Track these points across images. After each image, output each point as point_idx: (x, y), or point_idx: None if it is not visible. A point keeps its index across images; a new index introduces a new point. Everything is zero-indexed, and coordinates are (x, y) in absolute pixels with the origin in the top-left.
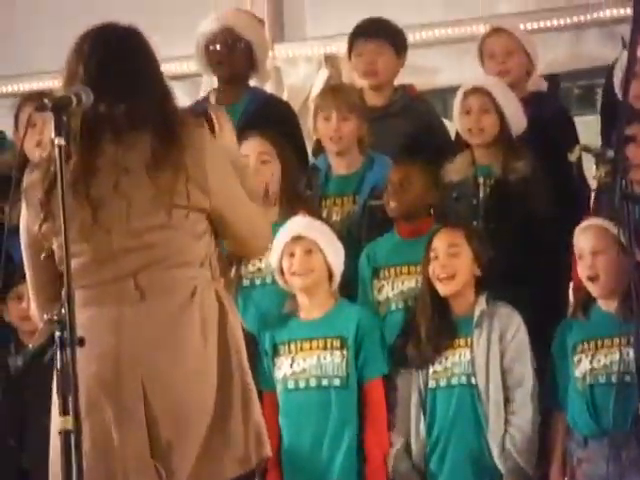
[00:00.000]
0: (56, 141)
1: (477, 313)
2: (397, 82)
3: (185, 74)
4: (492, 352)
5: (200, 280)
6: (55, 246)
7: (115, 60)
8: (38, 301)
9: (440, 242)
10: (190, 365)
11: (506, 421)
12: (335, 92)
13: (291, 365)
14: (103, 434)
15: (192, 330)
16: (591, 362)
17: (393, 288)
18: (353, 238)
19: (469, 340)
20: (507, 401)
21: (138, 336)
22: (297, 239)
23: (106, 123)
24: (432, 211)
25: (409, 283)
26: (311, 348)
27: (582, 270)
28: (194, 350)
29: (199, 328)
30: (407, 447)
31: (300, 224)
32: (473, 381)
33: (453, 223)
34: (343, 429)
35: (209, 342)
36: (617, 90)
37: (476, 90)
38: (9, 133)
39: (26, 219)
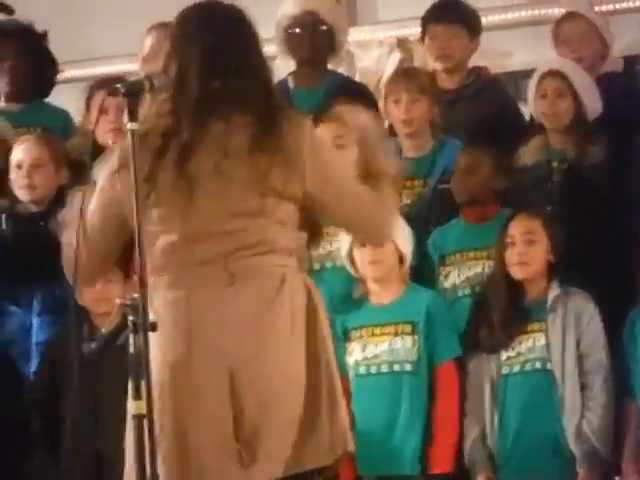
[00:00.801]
0: (129, 126)
1: (551, 297)
2: (470, 64)
3: None
4: (568, 337)
5: (290, 269)
6: (153, 220)
7: (226, 40)
8: (90, 269)
9: (517, 229)
10: (278, 352)
11: (583, 406)
12: (405, 75)
13: (363, 350)
14: (180, 415)
15: (281, 317)
16: None
17: (459, 274)
18: (422, 221)
19: (543, 325)
20: (583, 386)
21: (226, 319)
22: None
23: (217, 102)
24: (500, 196)
25: (475, 269)
26: (382, 334)
27: None
28: (282, 337)
29: (289, 316)
30: (483, 436)
31: None
32: (548, 366)
33: (530, 209)
34: (415, 414)
35: (297, 332)
36: None
37: (552, 73)
38: (77, 118)
39: (117, 187)
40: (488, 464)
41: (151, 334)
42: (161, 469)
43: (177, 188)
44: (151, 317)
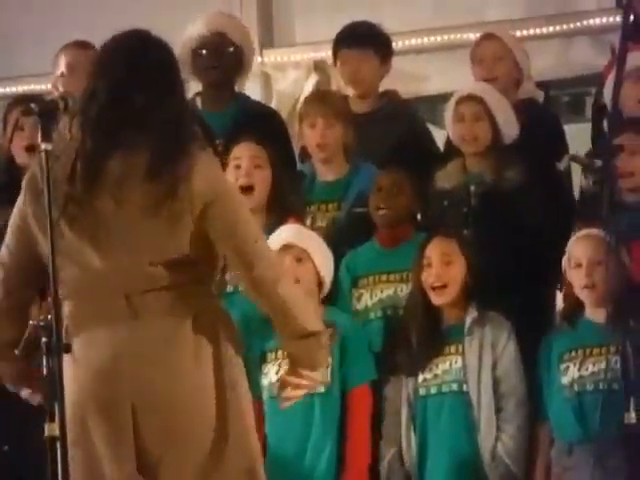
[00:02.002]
0: (42, 146)
1: (469, 321)
2: (385, 87)
3: None
4: (484, 360)
5: (199, 300)
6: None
7: (145, 76)
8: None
9: (434, 251)
10: (180, 385)
11: (498, 428)
12: (320, 99)
13: (277, 372)
14: (94, 456)
15: (184, 351)
16: (579, 370)
17: (372, 297)
18: (338, 244)
19: (460, 347)
20: (499, 409)
21: (128, 354)
22: (287, 247)
23: (124, 128)
24: (417, 218)
25: (388, 291)
26: None
27: (578, 279)
28: (185, 370)
29: (192, 349)
30: (399, 457)
31: (290, 232)
32: (464, 388)
33: (446, 231)
34: (325, 437)
35: (202, 364)
36: (606, 100)
37: (470, 98)
38: None
39: (27, 215)
40: None
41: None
42: None
43: (82, 220)
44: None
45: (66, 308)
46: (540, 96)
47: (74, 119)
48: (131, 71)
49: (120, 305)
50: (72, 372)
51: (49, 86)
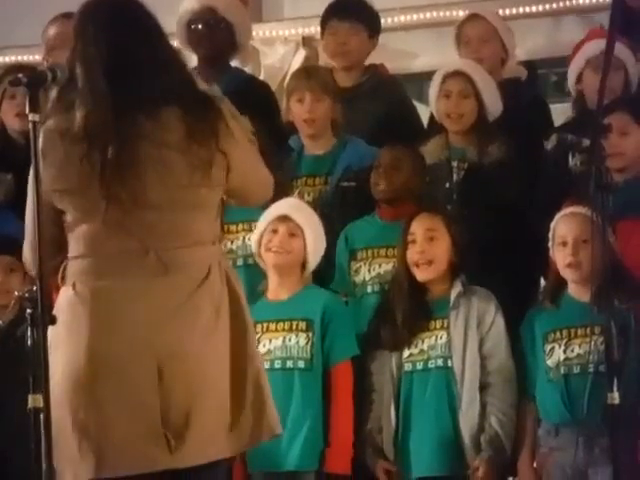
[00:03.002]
0: (30, 117)
1: (453, 295)
2: (372, 63)
3: None
4: (469, 335)
5: (214, 260)
6: (71, 209)
7: (132, 37)
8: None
9: (418, 227)
10: (203, 340)
11: (488, 404)
12: (308, 73)
13: (264, 345)
14: (111, 403)
15: (206, 306)
16: (565, 352)
17: (370, 270)
18: (325, 219)
19: (445, 322)
20: (487, 386)
21: (152, 309)
22: (283, 219)
23: (134, 102)
24: (417, 197)
25: (386, 266)
26: (277, 330)
27: (563, 257)
28: (207, 325)
29: (213, 305)
30: (378, 428)
31: (289, 204)
32: (449, 363)
33: (431, 208)
34: (305, 412)
35: (221, 320)
36: (571, 83)
37: (457, 74)
38: None
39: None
40: (379, 456)
41: (62, 321)
42: (84, 461)
43: (106, 180)
44: (60, 307)
45: (76, 266)
46: (523, 74)
47: (65, 90)
48: (116, 40)
49: (150, 260)
50: (87, 323)
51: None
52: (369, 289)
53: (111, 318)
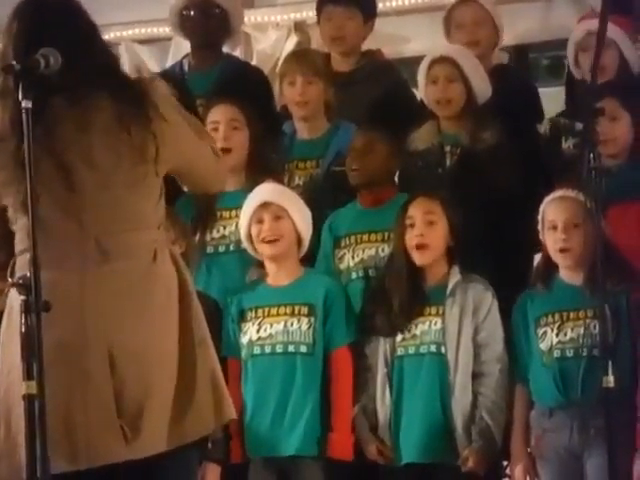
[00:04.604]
0: (23, 104)
1: (451, 283)
2: (366, 48)
3: (154, 38)
4: (465, 324)
5: (159, 244)
6: (10, 203)
7: (50, 28)
8: None
9: (417, 210)
10: (154, 327)
11: (480, 393)
12: (300, 57)
13: (258, 330)
14: (64, 394)
15: (157, 292)
16: (557, 335)
17: (353, 257)
18: (315, 203)
19: (440, 309)
20: (480, 375)
21: (103, 298)
22: (265, 205)
23: (56, 87)
24: (396, 179)
25: (369, 251)
26: (278, 314)
27: (554, 242)
28: (159, 312)
29: (163, 291)
30: (367, 411)
31: (268, 190)
32: (442, 350)
33: (429, 191)
34: (306, 396)
35: (171, 306)
36: (571, 64)
37: (443, 59)
38: None
39: None
40: (369, 437)
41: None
42: (50, 446)
43: (45, 169)
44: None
45: (22, 260)
46: (504, 59)
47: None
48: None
49: (90, 247)
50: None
51: None
52: (353, 275)
53: (62, 309)
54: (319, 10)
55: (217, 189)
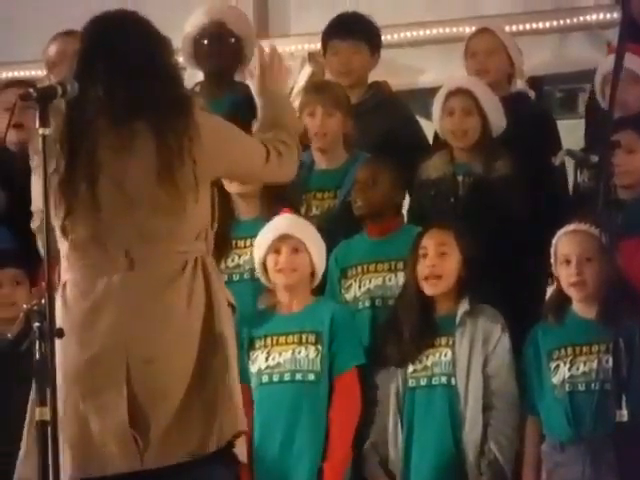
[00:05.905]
0: (40, 131)
1: (460, 313)
2: (379, 80)
3: None
4: (475, 355)
5: (191, 254)
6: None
7: (132, 52)
8: None
9: (430, 241)
10: (171, 334)
11: (490, 426)
12: (320, 88)
13: (266, 359)
14: (80, 404)
15: (178, 297)
16: (570, 369)
17: (360, 287)
18: (330, 233)
19: (450, 340)
20: (490, 407)
21: (124, 306)
22: (284, 237)
23: (104, 108)
24: (403, 209)
25: (376, 281)
26: (287, 343)
27: (567, 276)
28: (177, 315)
29: (186, 295)
30: (377, 445)
31: (287, 222)
32: (453, 382)
33: (443, 223)
34: (315, 428)
35: (193, 308)
36: (598, 96)
37: (459, 91)
38: None
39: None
40: (379, 471)
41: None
42: (65, 455)
43: (83, 190)
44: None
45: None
46: (531, 95)
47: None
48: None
49: (119, 257)
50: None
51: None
52: (360, 305)
53: (89, 318)
54: (325, 44)
55: (283, 181)
